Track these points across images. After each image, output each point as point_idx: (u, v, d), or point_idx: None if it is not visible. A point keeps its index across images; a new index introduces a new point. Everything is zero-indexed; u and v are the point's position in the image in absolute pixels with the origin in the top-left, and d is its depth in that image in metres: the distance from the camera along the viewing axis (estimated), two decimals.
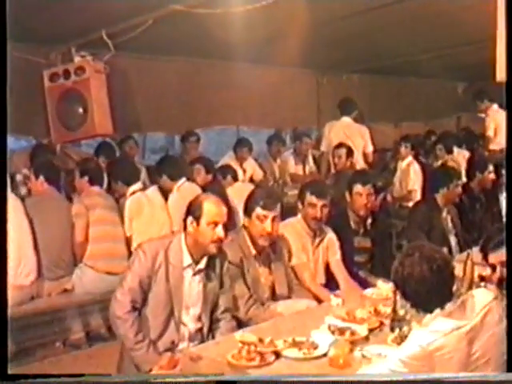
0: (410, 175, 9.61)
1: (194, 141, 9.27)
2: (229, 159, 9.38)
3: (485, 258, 4.09)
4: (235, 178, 8.28)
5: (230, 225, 5.18)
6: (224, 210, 4.55)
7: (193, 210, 4.53)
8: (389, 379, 3.31)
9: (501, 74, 4.21)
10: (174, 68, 9.00)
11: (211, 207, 4.50)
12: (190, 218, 4.51)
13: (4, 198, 4.02)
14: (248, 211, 5.17)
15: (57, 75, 7.54)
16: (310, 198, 5.69)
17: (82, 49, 7.50)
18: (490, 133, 10.73)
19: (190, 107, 9.28)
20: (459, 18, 7.31)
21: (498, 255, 3.95)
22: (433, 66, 10.54)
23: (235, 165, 9.05)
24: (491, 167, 8.13)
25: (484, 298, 3.51)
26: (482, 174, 8.01)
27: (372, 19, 7.27)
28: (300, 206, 5.75)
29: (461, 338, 3.28)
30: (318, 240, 5.81)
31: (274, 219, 5.09)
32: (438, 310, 3.36)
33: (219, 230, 4.46)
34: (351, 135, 9.74)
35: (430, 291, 3.37)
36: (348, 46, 8.73)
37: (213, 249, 4.49)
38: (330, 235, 5.89)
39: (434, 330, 3.31)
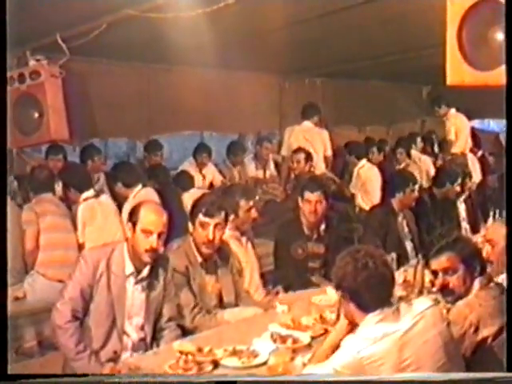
0: (365, 179, 9.60)
1: (156, 148, 9.17)
2: (188, 165, 9.30)
3: (427, 264, 4.10)
4: (192, 184, 8.20)
5: (181, 233, 5.16)
6: (162, 219, 4.47)
7: (132, 215, 4.49)
8: (389, 379, 3.28)
9: (451, 78, 4.21)
10: (134, 73, 8.93)
11: (148, 214, 4.44)
12: (128, 224, 4.47)
13: (4, 199, 4.02)
14: (192, 218, 5.11)
15: (12, 79, 7.44)
16: (245, 203, 5.71)
17: (37, 52, 7.41)
18: (451, 137, 10.79)
19: (151, 113, 9.21)
20: (421, 21, 7.30)
21: (441, 261, 3.95)
22: (396, 70, 10.54)
23: (195, 171, 9.00)
24: (459, 179, 8.12)
25: (421, 305, 3.49)
26: (452, 184, 7.98)
27: (334, 23, 7.23)
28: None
29: (392, 344, 3.26)
30: (244, 239, 5.83)
31: (216, 226, 5.02)
32: (378, 311, 3.35)
33: (153, 240, 4.39)
34: (311, 139, 9.73)
35: (370, 293, 3.37)
36: (311, 50, 8.70)
37: (146, 258, 4.42)
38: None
39: (365, 337, 3.29)
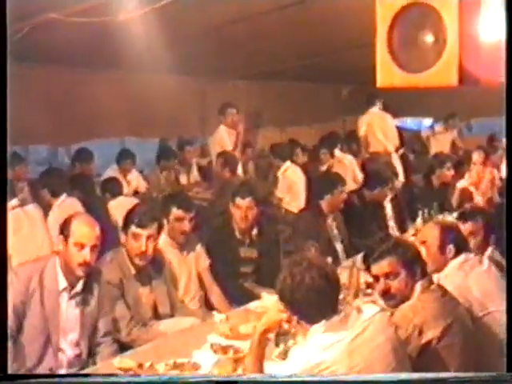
0: (290, 181, 9.60)
1: (87, 156, 8.96)
2: (112, 172, 9.11)
3: (368, 269, 4.08)
4: (118, 192, 8.02)
5: (110, 243, 5.04)
6: (95, 231, 4.36)
7: (63, 228, 4.36)
8: (389, 379, 3.26)
9: (381, 80, 4.20)
10: (56, 77, 8.72)
11: (80, 227, 4.32)
12: (60, 237, 4.34)
13: (4, 200, 3.88)
14: (125, 229, 5.01)
15: None
16: (177, 212, 5.58)
17: None
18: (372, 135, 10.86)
19: (72, 118, 9.02)
20: (345, 22, 7.33)
21: (382, 266, 3.94)
22: (319, 71, 10.59)
23: (118, 178, 8.80)
24: (389, 181, 8.18)
25: (368, 311, 3.47)
26: (382, 187, 8.01)
27: (257, 25, 7.23)
28: (165, 221, 5.52)
29: (341, 350, 3.22)
30: (185, 252, 5.70)
31: (148, 238, 4.93)
32: (323, 322, 3.29)
33: (85, 253, 4.27)
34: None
35: (319, 301, 3.32)
36: (233, 53, 8.66)
37: (79, 272, 4.30)
38: (199, 245, 5.81)
39: (313, 346, 3.25)
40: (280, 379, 3.40)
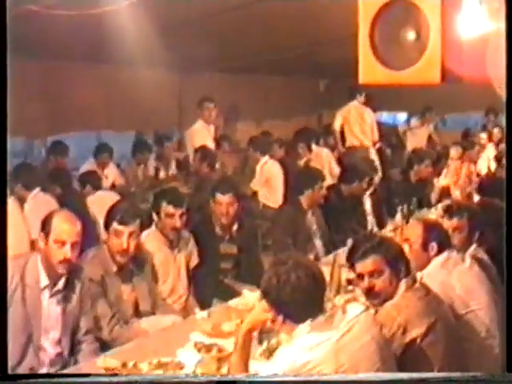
0: (269, 175, 9.59)
1: (62, 149, 8.87)
2: (89, 166, 9.00)
3: (352, 267, 4.07)
4: (96, 187, 7.94)
5: (90, 239, 4.99)
6: (76, 228, 4.31)
7: (44, 225, 4.31)
8: (389, 379, 3.25)
9: (363, 77, 4.19)
10: (32, 70, 8.63)
11: (60, 224, 4.27)
12: (41, 235, 4.30)
13: (4, 201, 3.86)
14: (107, 226, 4.97)
15: None
16: (167, 207, 5.54)
17: None
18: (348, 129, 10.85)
19: (48, 111, 8.94)
20: (321, 17, 7.33)
21: (366, 264, 3.93)
22: (296, 64, 10.58)
23: (96, 172, 8.72)
24: (367, 175, 8.20)
25: (354, 311, 3.47)
26: (360, 181, 8.01)
27: (234, 18, 7.21)
28: (155, 216, 5.56)
29: (328, 350, 3.22)
30: (176, 250, 5.67)
31: (130, 235, 4.89)
32: (309, 321, 3.29)
33: (66, 250, 4.21)
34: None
35: (305, 300, 3.30)
36: (210, 45, 8.62)
37: (61, 269, 4.26)
38: (191, 243, 5.80)
39: (300, 346, 3.24)
40: (279, 379, 3.39)
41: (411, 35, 3.59)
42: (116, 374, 3.71)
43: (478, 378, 3.43)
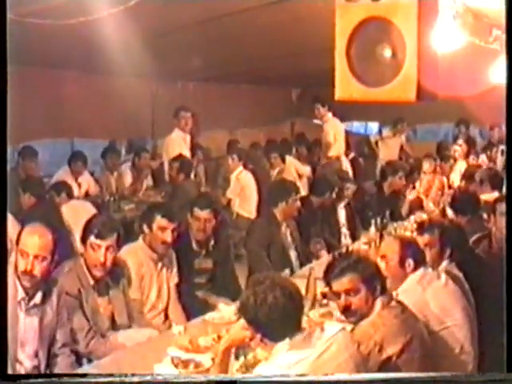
0: (243, 184, 9.60)
1: (31, 154, 8.80)
2: (64, 174, 8.97)
3: (328, 285, 4.09)
4: (70, 195, 7.89)
5: (64, 249, 4.97)
6: (43, 241, 4.27)
7: (18, 237, 4.30)
8: (388, 378, 3.31)
9: (339, 93, 4.21)
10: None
11: (26, 236, 4.27)
12: (15, 247, 4.29)
13: (4, 201, 3.86)
14: (84, 239, 4.94)
15: None
16: (161, 220, 5.50)
17: None
18: (329, 139, 10.83)
19: (21, 117, 8.88)
20: (295, 29, 7.37)
21: (342, 283, 3.95)
22: (268, 74, 10.61)
23: (70, 180, 8.70)
24: (337, 186, 8.23)
25: (331, 329, 3.50)
26: (330, 192, 8.05)
27: (209, 29, 7.23)
28: (146, 229, 5.52)
29: (306, 368, 3.25)
30: (160, 264, 5.63)
31: (108, 249, 4.86)
32: (287, 340, 3.31)
33: (28, 262, 4.20)
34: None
35: (282, 320, 3.33)
36: (184, 55, 8.66)
37: (24, 282, 4.24)
38: (174, 260, 5.77)
39: (278, 364, 3.26)
40: (279, 379, 3.41)
41: (387, 53, 3.61)
42: (112, 374, 3.71)
43: (480, 378, 3.47)
